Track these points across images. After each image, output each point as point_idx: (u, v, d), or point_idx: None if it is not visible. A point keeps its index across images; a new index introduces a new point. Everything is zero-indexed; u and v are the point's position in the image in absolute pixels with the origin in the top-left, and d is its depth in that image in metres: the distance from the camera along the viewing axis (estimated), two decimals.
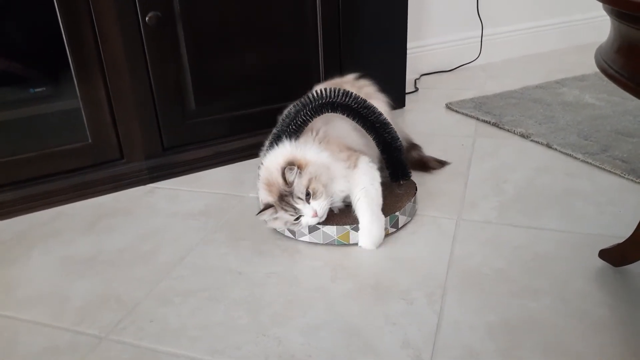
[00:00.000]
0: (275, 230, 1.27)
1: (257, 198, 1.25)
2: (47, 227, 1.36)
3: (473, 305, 1.02)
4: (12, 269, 1.20)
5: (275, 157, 1.21)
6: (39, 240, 1.31)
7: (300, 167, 1.17)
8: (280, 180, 1.17)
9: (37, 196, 1.43)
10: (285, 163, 1.17)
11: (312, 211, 1.17)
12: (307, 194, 1.16)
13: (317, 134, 1.27)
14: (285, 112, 1.44)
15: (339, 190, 1.22)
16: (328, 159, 1.21)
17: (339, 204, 1.24)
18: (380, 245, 1.20)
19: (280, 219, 1.20)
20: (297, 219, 1.18)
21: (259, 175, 1.24)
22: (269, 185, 1.20)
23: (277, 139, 1.26)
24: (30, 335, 1.00)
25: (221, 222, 1.34)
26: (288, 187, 1.16)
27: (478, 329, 0.96)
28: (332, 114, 1.27)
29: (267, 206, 1.20)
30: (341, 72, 1.76)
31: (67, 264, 1.21)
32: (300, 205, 1.17)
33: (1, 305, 1.09)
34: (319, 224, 1.20)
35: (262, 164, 1.25)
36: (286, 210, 1.18)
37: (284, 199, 1.17)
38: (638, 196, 1.35)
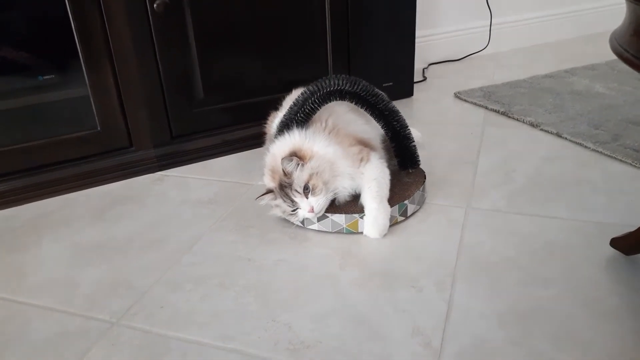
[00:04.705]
0: (283, 218, 1.27)
1: (264, 185, 1.25)
2: (56, 214, 1.37)
3: (483, 293, 1.01)
4: (23, 255, 1.21)
5: (283, 145, 1.21)
6: (49, 227, 1.31)
7: (303, 159, 1.16)
8: (281, 169, 1.17)
9: (47, 184, 1.44)
10: (289, 152, 1.17)
11: (309, 206, 1.16)
12: (306, 189, 1.16)
13: (326, 124, 1.26)
14: (287, 98, 1.43)
15: (342, 187, 1.21)
16: (335, 155, 1.20)
17: (343, 197, 1.23)
18: (385, 235, 1.20)
19: (279, 207, 1.21)
20: (295, 210, 1.19)
21: (265, 161, 1.24)
22: (273, 172, 1.20)
23: (285, 127, 1.26)
24: (42, 320, 1.01)
25: (230, 209, 1.35)
26: (287, 178, 1.17)
27: (488, 317, 0.95)
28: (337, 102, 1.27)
29: (268, 191, 1.21)
30: (349, 61, 1.76)
31: (77, 251, 1.21)
32: (298, 198, 1.17)
33: (13, 291, 1.10)
34: (326, 212, 1.20)
35: (268, 150, 1.25)
36: (284, 200, 1.19)
37: (284, 189, 1.17)
38: None
